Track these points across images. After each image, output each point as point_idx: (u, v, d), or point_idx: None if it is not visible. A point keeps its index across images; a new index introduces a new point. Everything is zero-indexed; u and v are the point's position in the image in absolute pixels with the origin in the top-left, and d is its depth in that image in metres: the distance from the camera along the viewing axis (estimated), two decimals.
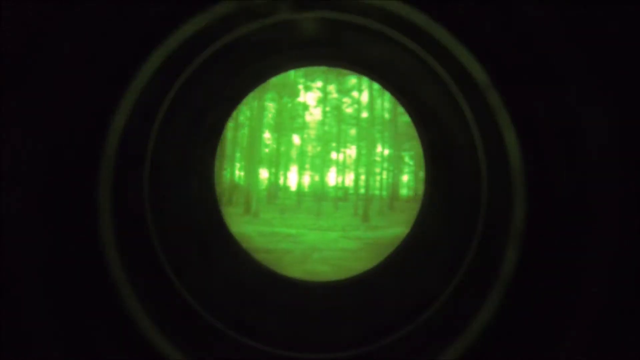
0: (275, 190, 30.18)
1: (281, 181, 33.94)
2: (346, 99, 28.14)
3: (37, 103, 1.11)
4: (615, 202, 1.08)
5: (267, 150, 30.07)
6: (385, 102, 24.89)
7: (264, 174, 28.84)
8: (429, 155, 2.65)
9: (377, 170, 28.20)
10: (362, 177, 25.88)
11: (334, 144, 31.66)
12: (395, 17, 1.29)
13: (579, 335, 1.12)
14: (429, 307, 1.60)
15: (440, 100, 2.08)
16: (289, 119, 28.52)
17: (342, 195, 30.99)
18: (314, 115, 30.91)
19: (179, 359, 1.28)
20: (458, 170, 2.13)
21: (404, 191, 31.29)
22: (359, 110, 28.10)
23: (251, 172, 20.30)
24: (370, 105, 25.20)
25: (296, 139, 32.76)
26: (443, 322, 1.52)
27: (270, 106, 26.59)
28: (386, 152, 28.38)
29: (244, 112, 22.57)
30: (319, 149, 32.49)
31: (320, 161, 32.59)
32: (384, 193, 26.75)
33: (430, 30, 1.22)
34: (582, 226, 1.13)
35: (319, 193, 28.58)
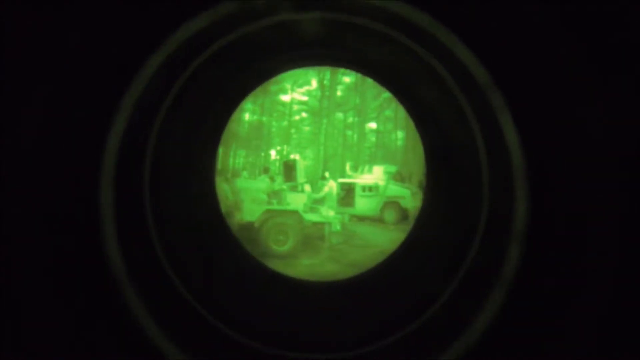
0: None
1: None
2: None
3: (39, 102, 1.11)
4: (616, 201, 1.08)
5: None
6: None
7: None
8: (430, 155, 2.65)
9: None
10: None
11: None
12: (397, 17, 1.29)
13: (579, 335, 1.12)
14: (429, 307, 1.59)
15: (440, 100, 2.08)
16: None
17: None
18: None
19: (180, 358, 1.28)
20: (458, 170, 2.13)
21: None
22: None
23: None
24: None
25: None
26: (443, 322, 1.52)
27: None
28: None
29: None
30: None
31: None
32: None
33: (432, 30, 1.22)
34: (583, 226, 1.13)
35: None
